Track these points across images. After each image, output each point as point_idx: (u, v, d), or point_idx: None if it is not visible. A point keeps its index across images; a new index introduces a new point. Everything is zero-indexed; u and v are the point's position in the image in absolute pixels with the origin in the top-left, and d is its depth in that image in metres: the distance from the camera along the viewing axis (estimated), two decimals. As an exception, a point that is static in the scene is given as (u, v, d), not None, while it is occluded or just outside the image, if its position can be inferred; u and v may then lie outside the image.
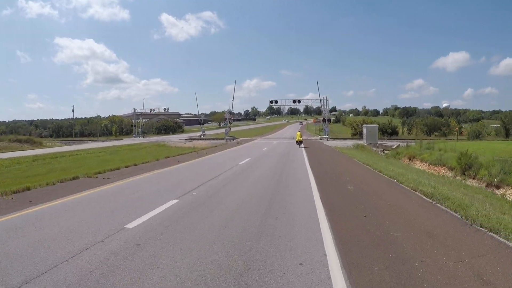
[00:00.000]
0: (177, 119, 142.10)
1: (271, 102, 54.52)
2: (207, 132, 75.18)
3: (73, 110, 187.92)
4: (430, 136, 78.63)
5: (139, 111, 74.86)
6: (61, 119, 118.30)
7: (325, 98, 52.43)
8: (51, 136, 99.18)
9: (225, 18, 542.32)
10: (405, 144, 41.42)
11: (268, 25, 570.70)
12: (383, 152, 36.61)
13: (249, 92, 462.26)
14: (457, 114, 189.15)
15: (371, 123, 78.29)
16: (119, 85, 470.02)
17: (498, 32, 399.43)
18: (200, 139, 61.49)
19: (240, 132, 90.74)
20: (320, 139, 51.93)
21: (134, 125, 76.19)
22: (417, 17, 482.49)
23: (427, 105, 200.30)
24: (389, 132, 77.22)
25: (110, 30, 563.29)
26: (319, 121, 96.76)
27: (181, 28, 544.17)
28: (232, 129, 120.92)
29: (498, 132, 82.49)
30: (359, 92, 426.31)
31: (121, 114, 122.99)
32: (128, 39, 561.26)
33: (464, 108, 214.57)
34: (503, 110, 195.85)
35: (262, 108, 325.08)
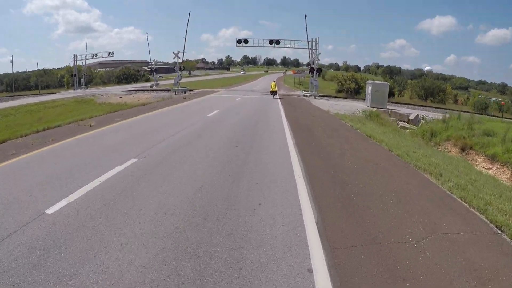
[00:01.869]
0: (145, 67, 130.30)
1: (239, 42, 40.10)
2: (164, 82, 61.03)
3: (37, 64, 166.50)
4: (426, 101, 67.07)
5: (80, 57, 59.32)
6: (20, 72, 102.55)
7: (314, 40, 38.91)
8: (6, 90, 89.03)
9: None
10: (418, 113, 29.45)
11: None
12: (399, 125, 24.24)
13: (224, 41, 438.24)
14: (443, 79, 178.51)
15: (357, 79, 66.32)
16: (91, 34, 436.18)
17: (489, 2, 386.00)
18: (150, 90, 49.16)
19: (202, 82, 76.17)
20: (305, 95, 38.74)
21: (74, 75, 61.05)
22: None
23: (407, 67, 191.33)
24: (383, 93, 65.02)
25: None
26: (299, 73, 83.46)
27: None
28: (197, 78, 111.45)
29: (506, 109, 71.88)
30: (339, 47, 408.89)
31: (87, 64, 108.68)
32: None
33: (445, 74, 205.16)
34: (488, 81, 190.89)
35: (238, 58, 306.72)
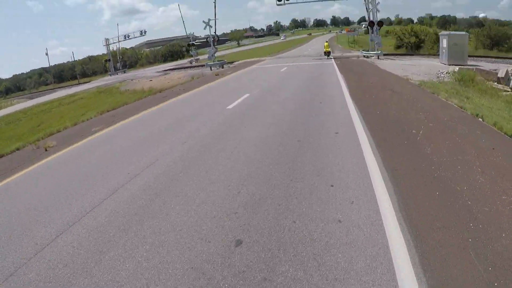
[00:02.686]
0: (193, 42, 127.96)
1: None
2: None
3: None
4: (492, 50, 55.84)
5: (112, 39, 55.17)
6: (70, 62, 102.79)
7: (376, -14, 31.33)
8: (54, 82, 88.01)
9: None
10: (506, 68, 21.80)
11: None
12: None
13: (272, 7, 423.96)
14: (501, 25, 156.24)
15: (417, 32, 56.88)
16: (138, 16, 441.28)
17: None
18: (189, 66, 44.80)
19: (248, 52, 69.79)
20: (365, 56, 31.31)
21: (109, 60, 57.57)
22: None
23: (461, 15, 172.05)
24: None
25: None
26: (353, 30, 74.27)
27: None
28: (245, 47, 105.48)
29: None
30: (388, 1, 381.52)
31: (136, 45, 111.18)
32: None
33: (503, 20, 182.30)
34: None
35: (286, 22, 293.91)
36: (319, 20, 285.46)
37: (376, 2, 30.46)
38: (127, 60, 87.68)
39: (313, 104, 10.80)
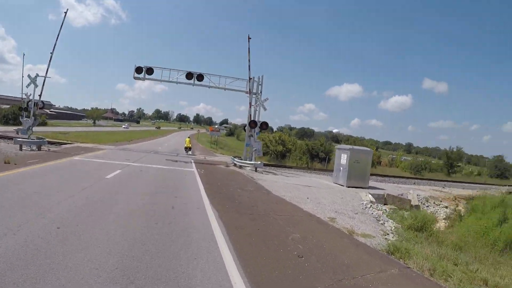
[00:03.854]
0: (47, 110, 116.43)
1: (139, 71, 23.86)
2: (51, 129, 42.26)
3: None
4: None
5: None
6: None
7: (257, 80, 24.81)
8: None
9: (128, 10, 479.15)
10: (412, 191, 18.60)
11: (167, 30, 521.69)
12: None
13: (139, 93, 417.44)
14: (354, 141, 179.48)
15: (285, 141, 55.48)
16: (2, 66, 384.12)
17: (394, 70, 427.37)
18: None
19: (92, 135, 59.53)
20: (238, 165, 23.93)
21: None
22: (318, 43, 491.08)
23: (315, 129, 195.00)
24: (321, 157, 53.65)
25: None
26: (218, 130, 69.39)
27: (81, 12, 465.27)
28: (98, 128, 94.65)
29: (438, 168, 68.15)
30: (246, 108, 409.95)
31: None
32: (21, 14, 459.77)
33: (354, 136, 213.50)
34: (392, 142, 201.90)
35: (150, 111, 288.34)
36: (182, 115, 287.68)
37: (264, 99, 24.09)
38: None
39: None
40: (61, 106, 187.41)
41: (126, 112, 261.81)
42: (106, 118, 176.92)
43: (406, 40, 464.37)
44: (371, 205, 13.45)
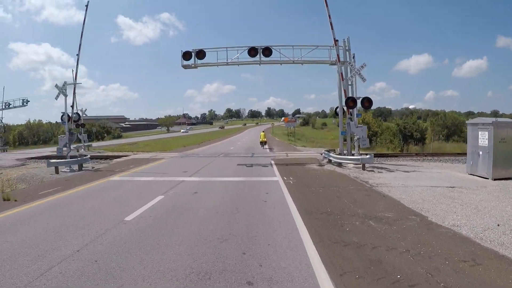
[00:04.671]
0: (122, 124, 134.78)
1: (186, 57, 17.66)
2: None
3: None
4: (448, 141, 49.59)
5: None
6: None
7: (345, 42, 18.23)
8: None
9: (184, 20, 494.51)
10: None
11: (226, 27, 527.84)
12: None
13: (209, 96, 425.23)
14: (435, 115, 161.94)
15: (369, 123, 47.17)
16: (77, 91, 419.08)
17: (463, 34, 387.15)
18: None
19: (165, 141, 57.28)
20: (333, 162, 17.46)
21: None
22: (378, 23, 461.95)
23: (390, 107, 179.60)
24: (416, 137, 45.19)
25: (66, 33, 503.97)
26: (294, 120, 62.72)
27: (139, 30, 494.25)
28: (171, 134, 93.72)
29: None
30: (320, 95, 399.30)
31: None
32: (86, 42, 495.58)
33: (433, 110, 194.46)
34: (474, 112, 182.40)
35: (221, 112, 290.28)
36: (254, 111, 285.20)
37: (360, 66, 17.04)
38: (42, 135, 74.13)
39: None
40: (137, 118, 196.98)
41: (199, 116, 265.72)
42: (179, 124, 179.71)
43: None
44: None
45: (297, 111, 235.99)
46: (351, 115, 16.76)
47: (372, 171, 15.19)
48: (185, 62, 18.99)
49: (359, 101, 16.58)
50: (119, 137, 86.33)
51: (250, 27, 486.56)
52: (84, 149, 34.57)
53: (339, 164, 16.76)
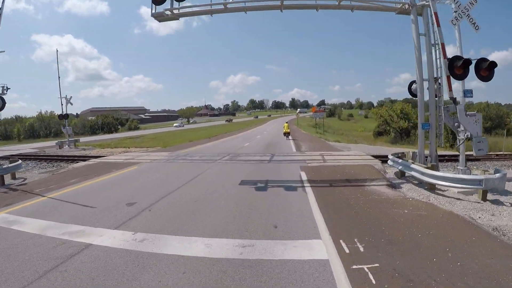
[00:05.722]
0: (142, 115, 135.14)
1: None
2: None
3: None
4: (491, 134, 42.31)
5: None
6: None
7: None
8: None
9: None
10: None
11: (253, 20, 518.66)
12: None
13: (233, 87, 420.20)
14: (467, 106, 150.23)
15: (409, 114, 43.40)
16: (101, 83, 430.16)
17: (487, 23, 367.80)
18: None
19: (180, 133, 50.80)
20: (424, 181, 9.52)
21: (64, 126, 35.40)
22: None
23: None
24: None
25: (89, 25, 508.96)
26: (323, 110, 55.00)
27: (163, 22, 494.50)
28: (190, 126, 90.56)
29: None
30: (345, 87, 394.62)
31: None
32: (109, 34, 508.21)
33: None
34: (502, 103, 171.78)
35: (244, 103, 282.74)
36: (278, 102, 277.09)
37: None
38: (54, 127, 70.77)
39: None
40: (159, 110, 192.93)
41: (222, 107, 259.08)
42: (201, 115, 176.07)
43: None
44: None
45: (322, 102, 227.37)
46: (454, 101, 8.76)
47: (503, 204, 7.46)
48: (158, 9, 11.31)
49: (474, 62, 8.66)
50: (136, 128, 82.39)
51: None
52: (69, 145, 30.31)
53: (431, 186, 8.91)
